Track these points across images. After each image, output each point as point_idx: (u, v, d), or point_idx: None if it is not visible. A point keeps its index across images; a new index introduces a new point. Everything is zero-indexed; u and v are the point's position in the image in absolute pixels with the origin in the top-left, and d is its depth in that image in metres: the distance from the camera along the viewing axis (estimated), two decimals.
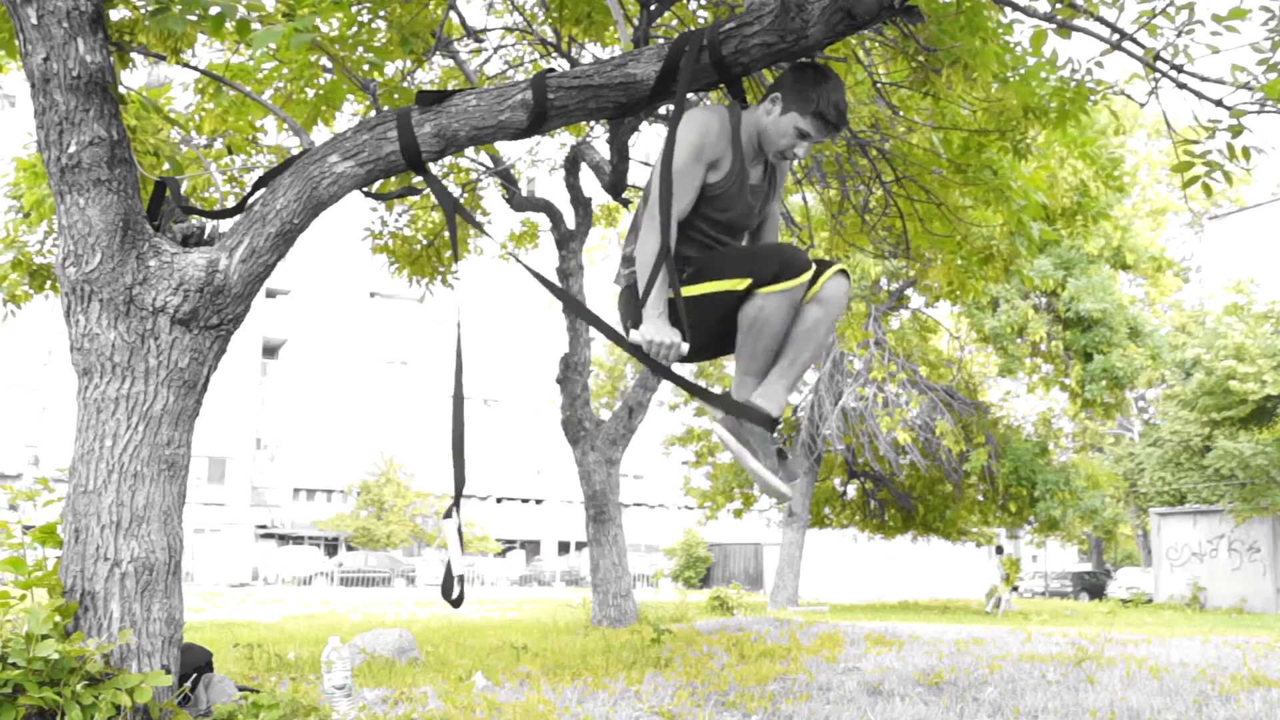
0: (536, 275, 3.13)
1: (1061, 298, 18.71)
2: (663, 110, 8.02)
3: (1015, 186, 6.16)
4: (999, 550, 21.59)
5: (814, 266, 2.87)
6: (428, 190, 6.65)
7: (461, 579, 3.00)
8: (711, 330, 2.93)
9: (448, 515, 3.02)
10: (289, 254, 3.41)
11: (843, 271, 2.94)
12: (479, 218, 10.60)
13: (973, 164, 6.10)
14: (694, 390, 2.92)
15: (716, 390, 2.96)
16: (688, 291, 2.86)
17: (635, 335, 2.82)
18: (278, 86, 5.28)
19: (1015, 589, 23.67)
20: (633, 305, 2.95)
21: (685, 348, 2.79)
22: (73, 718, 2.81)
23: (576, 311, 3.05)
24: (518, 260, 3.23)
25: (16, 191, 6.22)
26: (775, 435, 2.91)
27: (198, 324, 3.24)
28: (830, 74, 2.90)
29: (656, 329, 2.79)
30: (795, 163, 3.45)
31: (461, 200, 10.24)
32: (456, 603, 3.00)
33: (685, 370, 11.01)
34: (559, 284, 11.30)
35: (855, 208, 7.48)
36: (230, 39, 4.54)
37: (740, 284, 2.83)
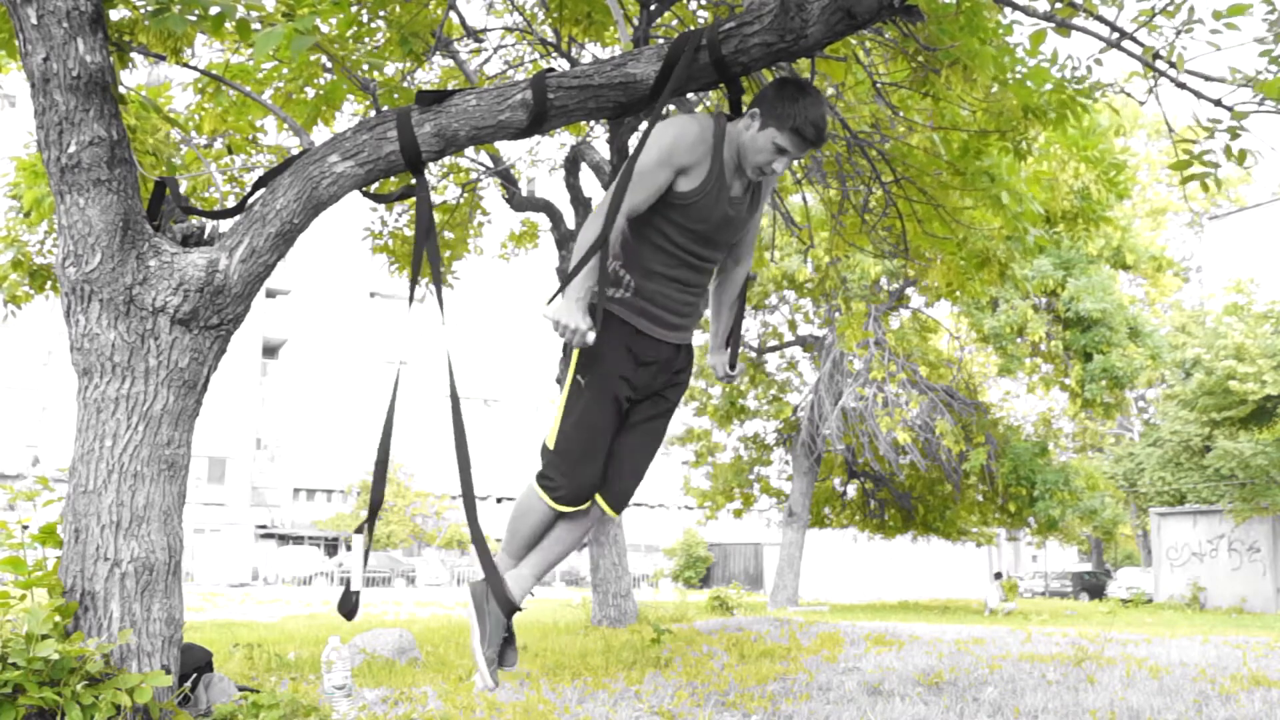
0: (451, 377, 3.10)
1: (1061, 298, 18.71)
2: (663, 110, 8.01)
3: (1012, 194, 6.15)
4: (998, 576, 21.52)
5: (582, 505, 2.96)
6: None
7: (358, 595, 3.13)
8: None
9: (359, 531, 3.11)
10: (289, 254, 3.41)
11: (605, 512, 3.03)
12: (479, 218, 10.62)
13: (970, 168, 6.08)
14: (479, 545, 2.97)
15: (492, 556, 3.06)
16: (572, 367, 2.93)
17: (547, 311, 2.80)
18: (278, 86, 5.28)
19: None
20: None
21: (591, 338, 2.77)
22: (73, 718, 2.82)
23: (456, 410, 3.11)
24: (449, 361, 3.27)
25: (16, 191, 6.22)
26: (508, 625, 3.03)
27: (198, 324, 3.24)
28: (810, 90, 2.88)
29: (569, 312, 2.76)
30: (794, 164, 3.47)
31: (461, 201, 10.25)
32: (349, 616, 3.12)
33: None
34: (559, 282, 11.31)
35: (855, 208, 7.48)
36: (230, 39, 4.54)
37: (549, 435, 2.98)
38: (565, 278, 2.79)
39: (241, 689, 3.85)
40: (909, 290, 19.52)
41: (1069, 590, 34.76)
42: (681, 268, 2.97)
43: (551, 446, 2.95)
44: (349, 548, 3.16)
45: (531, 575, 3.05)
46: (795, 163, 7.22)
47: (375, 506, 3.14)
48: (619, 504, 3.04)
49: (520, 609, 3.02)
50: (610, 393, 2.94)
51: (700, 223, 2.92)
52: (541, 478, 2.95)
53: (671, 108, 3.07)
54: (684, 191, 2.88)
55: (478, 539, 2.96)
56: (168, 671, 3.13)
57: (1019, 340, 19.33)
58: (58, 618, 3.01)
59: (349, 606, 3.12)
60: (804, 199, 8.74)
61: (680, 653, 7.82)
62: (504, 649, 3.03)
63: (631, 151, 2.84)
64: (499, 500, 48.90)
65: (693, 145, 2.86)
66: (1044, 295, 18.99)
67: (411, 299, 3.23)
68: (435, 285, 3.14)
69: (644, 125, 2.93)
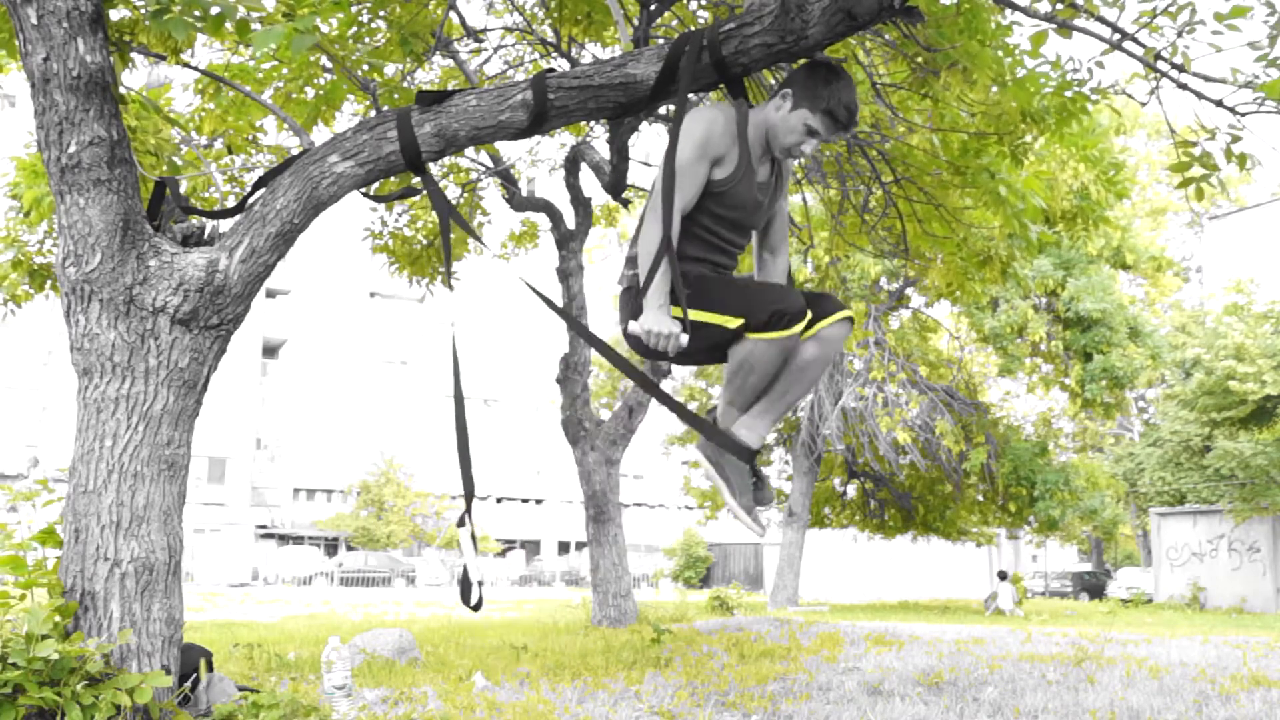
0: (542, 297, 3.15)
1: (1061, 298, 18.71)
2: (663, 110, 8.02)
3: (1013, 191, 6.14)
4: (1002, 576, 21.45)
5: (807, 316, 2.83)
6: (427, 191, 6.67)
7: (480, 584, 3.05)
8: (703, 352, 2.97)
9: (460, 523, 3.06)
10: (289, 254, 3.41)
11: (849, 319, 2.94)
12: (479, 218, 10.60)
13: (971, 167, 6.09)
14: (680, 412, 2.94)
15: (701, 416, 3.01)
16: (679, 314, 2.84)
17: (634, 326, 2.83)
18: (278, 86, 5.29)
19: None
20: (632, 304, 2.95)
21: (685, 339, 2.79)
22: (73, 718, 2.82)
23: (573, 326, 3.17)
24: (527, 285, 3.24)
25: (16, 191, 6.22)
26: (753, 467, 2.95)
27: (198, 324, 3.24)
28: (842, 73, 2.91)
29: (656, 319, 2.78)
30: (798, 161, 3.48)
31: (460, 201, 10.24)
32: (476, 608, 3.04)
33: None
34: (560, 289, 11.32)
35: (855, 208, 7.47)
36: (230, 39, 4.54)
37: (733, 322, 2.83)
38: (641, 288, 2.80)
39: (241, 689, 3.85)
40: (909, 290, 19.52)
41: (1069, 590, 34.75)
42: (717, 253, 3.02)
43: (746, 317, 2.80)
44: (464, 544, 3.08)
45: (767, 420, 2.96)
46: (797, 162, 7.23)
47: (469, 493, 3.07)
48: (836, 306, 2.93)
49: (758, 452, 2.95)
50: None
51: (734, 209, 2.96)
52: (766, 327, 2.79)
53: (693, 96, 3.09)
54: (718, 179, 2.92)
55: (687, 416, 2.94)
56: (168, 671, 3.13)
57: (1019, 340, 19.33)
58: (58, 618, 3.02)
59: (469, 597, 3.03)
60: (804, 199, 8.73)
61: (680, 653, 7.82)
62: (756, 491, 2.98)
63: (665, 150, 2.86)
64: (499, 500, 48.93)
65: (722, 134, 2.89)
66: (1044, 295, 18.99)
67: (449, 265, 3.19)
68: (479, 243, 3.22)
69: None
